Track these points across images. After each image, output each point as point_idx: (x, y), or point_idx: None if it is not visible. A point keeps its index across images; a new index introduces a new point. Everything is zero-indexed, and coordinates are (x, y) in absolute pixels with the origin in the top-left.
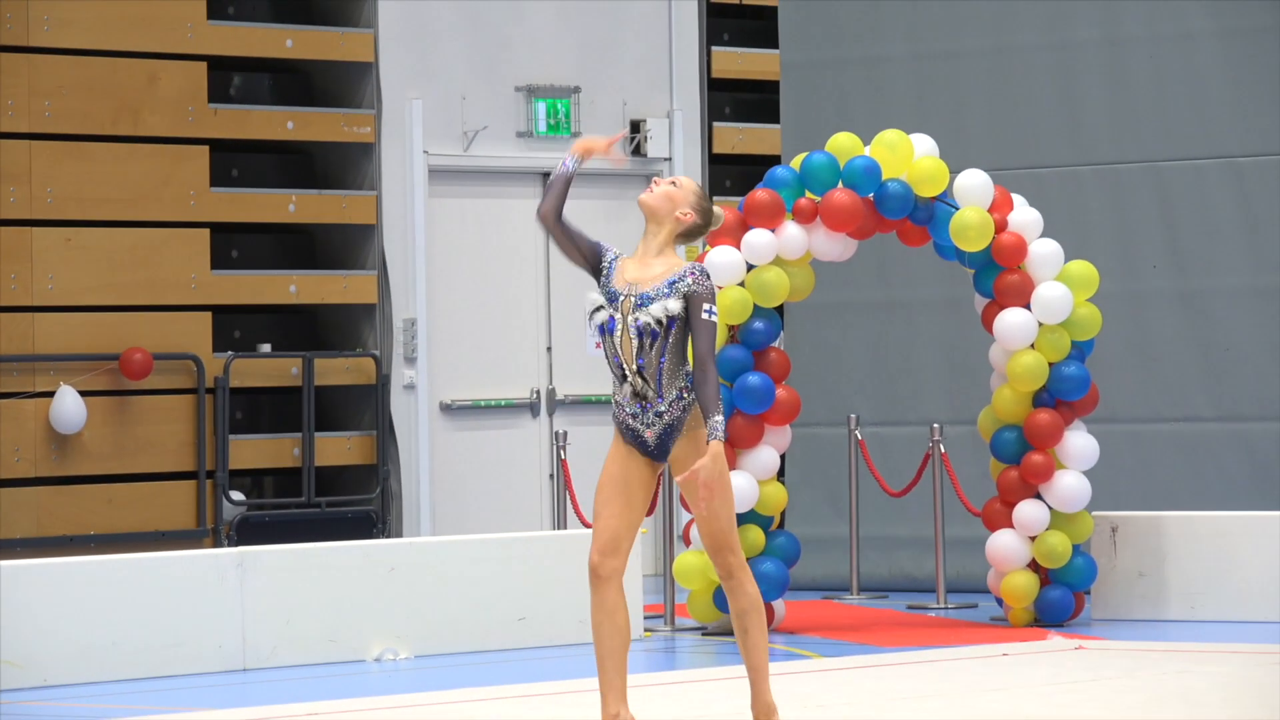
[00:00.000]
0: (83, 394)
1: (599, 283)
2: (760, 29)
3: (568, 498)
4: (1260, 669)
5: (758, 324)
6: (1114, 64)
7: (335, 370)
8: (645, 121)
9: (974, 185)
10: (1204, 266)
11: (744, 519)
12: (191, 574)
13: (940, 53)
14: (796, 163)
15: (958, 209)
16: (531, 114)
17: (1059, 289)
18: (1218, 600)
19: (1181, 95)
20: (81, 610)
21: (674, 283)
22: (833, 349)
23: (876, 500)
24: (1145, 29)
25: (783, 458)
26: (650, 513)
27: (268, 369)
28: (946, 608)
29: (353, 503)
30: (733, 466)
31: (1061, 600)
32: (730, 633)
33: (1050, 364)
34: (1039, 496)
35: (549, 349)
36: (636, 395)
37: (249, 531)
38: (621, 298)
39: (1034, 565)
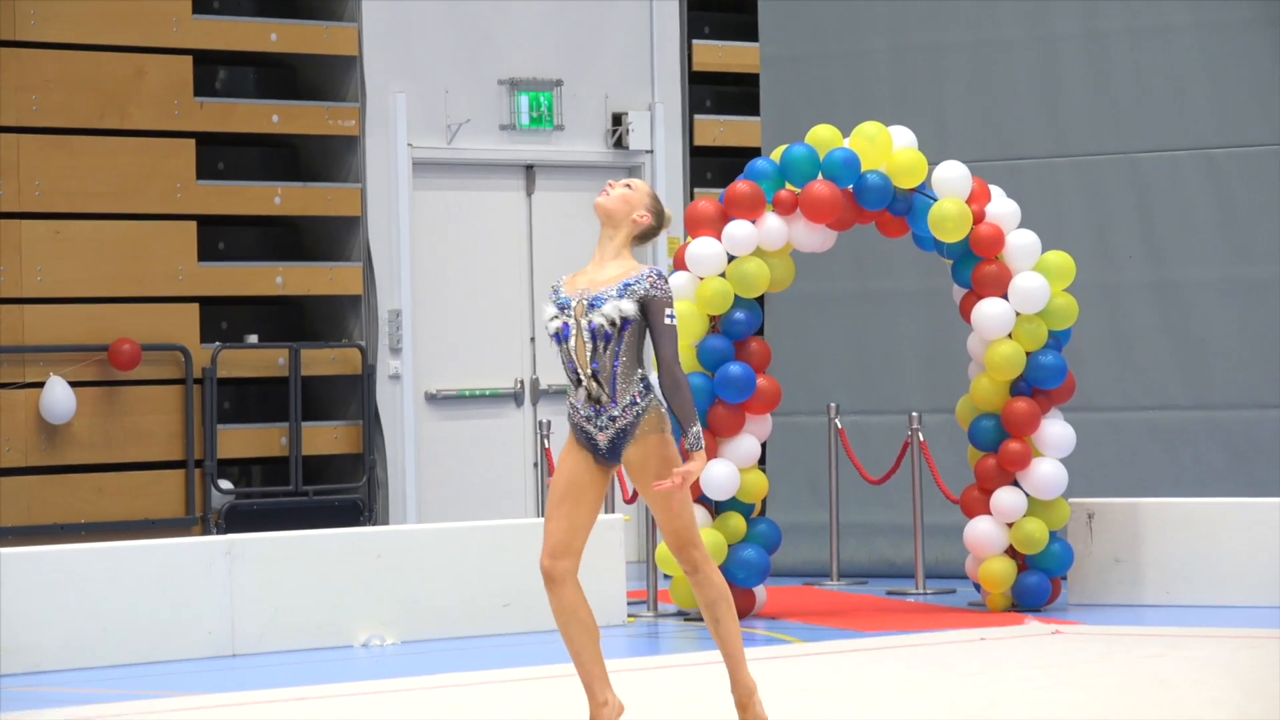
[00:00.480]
0: (72, 384)
1: (552, 301)
2: (741, 22)
3: None
4: (1235, 653)
5: (739, 314)
6: (1092, 57)
7: (321, 361)
8: (627, 114)
9: (952, 177)
10: (1180, 257)
11: (725, 506)
12: (181, 561)
13: (920, 46)
14: (777, 155)
15: (936, 200)
16: (514, 107)
17: (1036, 279)
18: (1193, 585)
19: (1159, 88)
20: (72, 597)
21: (629, 285)
22: (813, 339)
23: (856, 488)
24: (1124, 23)
25: (764, 446)
26: (598, 513)
27: (255, 359)
28: (925, 593)
29: (339, 491)
30: (714, 455)
31: (1039, 586)
32: None
33: (1028, 353)
34: (1016, 484)
35: (532, 339)
36: (591, 399)
37: (237, 519)
38: (574, 303)
39: (1011, 551)
